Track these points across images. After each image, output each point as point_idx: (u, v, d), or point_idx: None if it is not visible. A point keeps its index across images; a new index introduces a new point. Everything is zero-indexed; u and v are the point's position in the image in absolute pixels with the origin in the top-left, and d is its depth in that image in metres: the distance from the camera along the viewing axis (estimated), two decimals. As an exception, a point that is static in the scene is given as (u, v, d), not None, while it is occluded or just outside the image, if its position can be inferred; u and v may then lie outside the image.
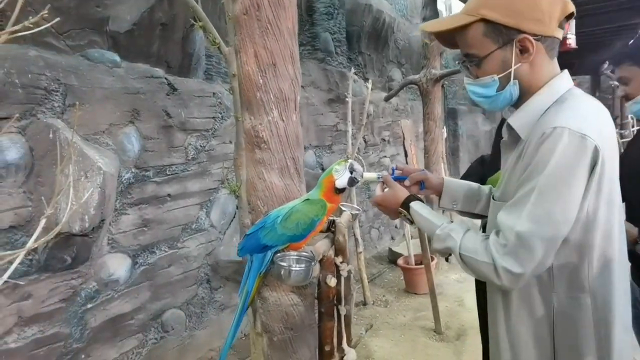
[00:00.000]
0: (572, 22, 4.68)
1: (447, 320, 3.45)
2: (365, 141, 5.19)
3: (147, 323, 2.60)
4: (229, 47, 2.43)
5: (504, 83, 1.02)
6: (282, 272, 1.16)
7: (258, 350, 2.40)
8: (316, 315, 1.63)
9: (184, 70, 3.06)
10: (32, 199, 2.01)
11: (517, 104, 1.05)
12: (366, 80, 5.35)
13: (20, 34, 0.96)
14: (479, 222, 2.19)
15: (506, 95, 1.03)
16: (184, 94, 2.81)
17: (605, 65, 10.68)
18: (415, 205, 1.18)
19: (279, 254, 1.20)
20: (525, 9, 0.95)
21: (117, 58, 2.49)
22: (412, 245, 4.21)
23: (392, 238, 5.77)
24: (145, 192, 2.56)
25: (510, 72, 1.00)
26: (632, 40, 5.14)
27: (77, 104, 2.01)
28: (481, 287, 2.26)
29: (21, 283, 1.89)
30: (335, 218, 1.58)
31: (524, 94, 1.03)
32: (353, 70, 4.01)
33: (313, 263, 1.20)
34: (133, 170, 2.48)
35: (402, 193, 1.22)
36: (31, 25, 0.94)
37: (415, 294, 4.05)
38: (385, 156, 5.73)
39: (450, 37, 1.08)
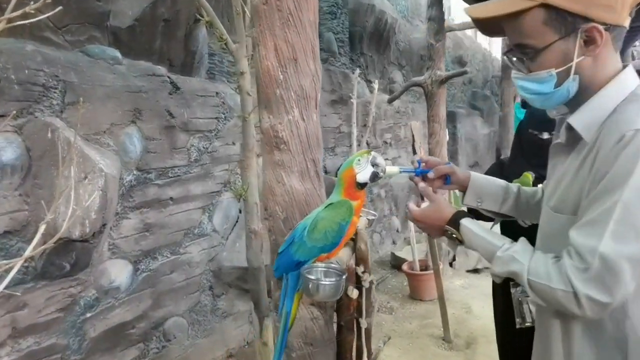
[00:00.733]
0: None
1: (456, 328, 3.36)
2: (367, 144, 5.10)
3: (149, 332, 2.48)
4: (235, 43, 2.34)
5: (561, 78, 0.89)
6: (309, 286, 1.05)
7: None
8: (335, 328, 1.53)
9: (187, 69, 2.95)
10: (28, 202, 1.89)
11: (573, 101, 0.93)
12: (368, 82, 5.27)
13: (20, 22, 0.86)
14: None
15: (563, 92, 0.90)
16: (186, 93, 2.70)
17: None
18: (467, 222, 1.01)
19: (305, 266, 1.09)
20: None
21: (119, 55, 2.38)
22: (417, 250, 4.13)
23: (394, 242, 5.67)
24: (147, 195, 2.45)
25: (570, 66, 0.87)
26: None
27: (80, 99, 1.89)
28: (499, 292, 2.18)
29: (17, 294, 1.77)
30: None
31: (584, 91, 0.90)
32: (358, 71, 3.91)
33: (344, 276, 1.09)
34: (135, 172, 2.37)
35: (448, 208, 1.06)
36: (32, 12, 0.84)
37: (421, 300, 3.96)
38: (387, 159, 5.64)
39: (493, 24, 0.94)
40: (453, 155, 8.37)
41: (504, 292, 2.04)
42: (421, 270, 4.06)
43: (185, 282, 2.70)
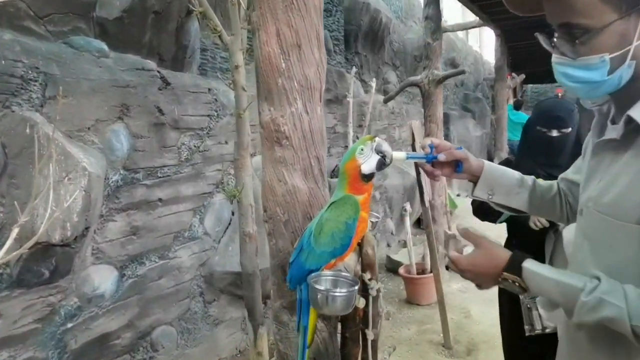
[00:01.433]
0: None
1: (455, 333, 3.25)
2: (362, 144, 5.00)
3: (135, 342, 2.33)
4: (230, 36, 2.21)
5: (615, 64, 0.77)
6: (318, 298, 0.91)
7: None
8: (339, 340, 1.41)
9: (178, 64, 2.81)
10: (3, 203, 1.75)
11: (622, 91, 0.81)
12: (363, 81, 5.17)
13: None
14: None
15: (614, 80, 0.78)
16: (177, 89, 2.56)
17: None
18: (531, 265, 0.83)
19: (312, 275, 0.96)
20: None
21: (105, 47, 2.24)
22: (414, 254, 4.02)
23: (388, 245, 5.57)
24: (135, 196, 2.30)
25: (628, 51, 0.75)
26: None
27: (60, 89, 1.74)
28: (504, 298, 2.09)
29: (-11, 303, 1.62)
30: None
31: (637, 79, 0.79)
32: (355, 70, 3.80)
33: (356, 287, 0.97)
34: (121, 171, 2.23)
35: (501, 251, 0.87)
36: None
37: (418, 305, 3.85)
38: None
39: (531, 1, 0.82)
40: (446, 158, 8.32)
41: (510, 298, 1.96)
42: (418, 273, 3.96)
43: (175, 289, 2.56)
